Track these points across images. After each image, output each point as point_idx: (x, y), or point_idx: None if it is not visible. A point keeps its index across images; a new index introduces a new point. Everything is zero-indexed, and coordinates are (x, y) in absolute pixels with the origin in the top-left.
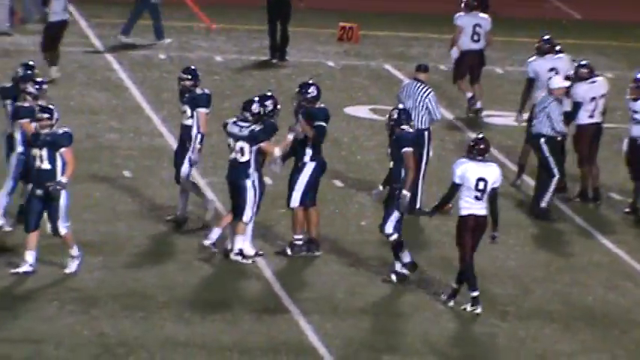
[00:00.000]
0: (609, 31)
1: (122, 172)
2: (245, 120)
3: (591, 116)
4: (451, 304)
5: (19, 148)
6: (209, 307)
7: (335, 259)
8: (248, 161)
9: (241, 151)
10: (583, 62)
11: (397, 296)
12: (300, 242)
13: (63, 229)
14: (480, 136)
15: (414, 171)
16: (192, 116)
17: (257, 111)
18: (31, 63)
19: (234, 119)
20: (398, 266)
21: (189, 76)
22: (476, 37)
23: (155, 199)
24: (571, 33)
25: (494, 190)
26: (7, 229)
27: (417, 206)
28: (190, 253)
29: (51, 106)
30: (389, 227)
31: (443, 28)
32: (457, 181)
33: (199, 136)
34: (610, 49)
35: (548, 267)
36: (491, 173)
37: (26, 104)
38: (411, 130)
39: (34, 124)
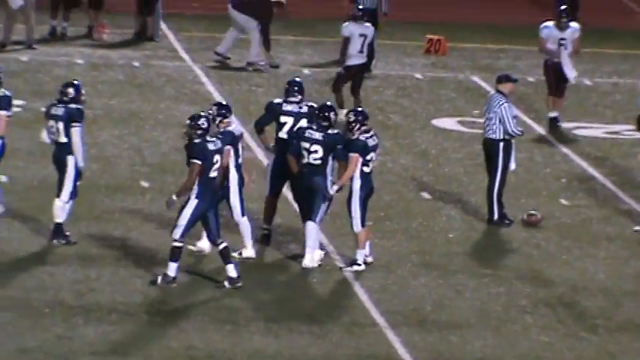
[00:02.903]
0: None
1: None
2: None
3: None
4: None
5: None
6: (297, 319)
7: (423, 272)
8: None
9: (316, 153)
10: None
11: (485, 309)
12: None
13: None
14: None
15: (190, 181)
16: None
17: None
18: None
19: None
20: (171, 270)
21: None
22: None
23: None
24: None
25: None
26: None
27: (495, 217)
28: (278, 266)
29: None
30: (177, 233)
31: (531, 39)
32: None
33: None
34: None
35: (638, 280)
36: None
37: None
38: (198, 141)
39: None
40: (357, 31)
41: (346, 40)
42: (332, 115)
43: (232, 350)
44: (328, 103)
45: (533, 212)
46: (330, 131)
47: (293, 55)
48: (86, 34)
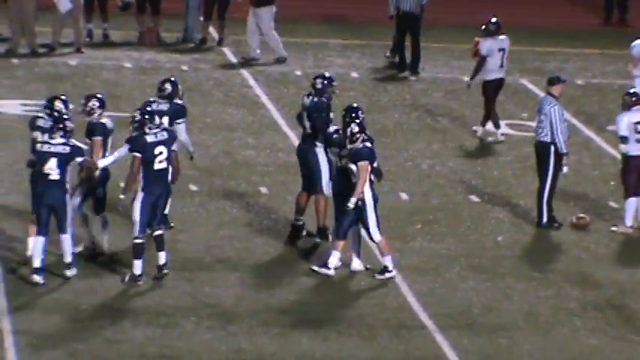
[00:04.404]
0: None
1: (258, 189)
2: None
3: None
4: None
5: None
6: (345, 322)
7: (471, 275)
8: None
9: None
10: (632, 91)
11: (534, 312)
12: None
13: None
14: None
15: (132, 176)
16: None
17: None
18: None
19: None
20: (136, 268)
21: None
22: None
23: (291, 215)
24: None
25: None
26: None
27: (544, 220)
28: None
29: None
30: (135, 231)
31: (578, 42)
32: None
33: None
34: None
35: None
36: None
37: None
38: (136, 134)
39: None
40: (495, 47)
41: (483, 59)
42: (359, 114)
43: (280, 353)
44: (354, 105)
45: (582, 215)
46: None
47: (341, 58)
48: (137, 40)
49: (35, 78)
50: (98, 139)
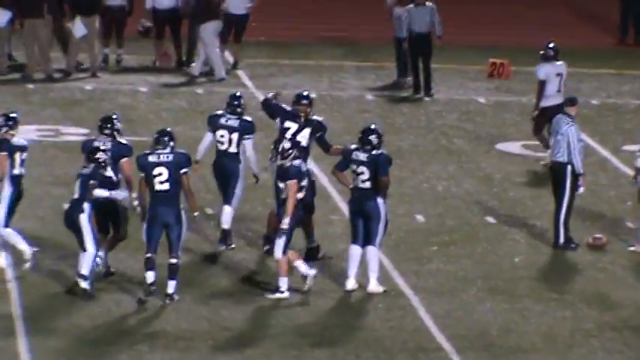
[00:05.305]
0: None
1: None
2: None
3: None
4: None
5: None
6: (363, 345)
7: (488, 297)
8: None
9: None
10: None
11: (551, 333)
12: None
13: None
14: None
15: (140, 195)
16: None
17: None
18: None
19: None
20: (149, 278)
21: None
22: None
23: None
24: None
25: None
26: None
27: (561, 241)
28: (342, 291)
29: None
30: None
31: (594, 62)
32: None
33: None
34: None
35: None
36: None
37: None
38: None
39: None
40: (552, 72)
41: (542, 83)
42: (373, 137)
43: None
44: (372, 127)
45: (598, 236)
46: (374, 152)
47: (356, 80)
48: (153, 64)
49: (50, 103)
50: (1, 154)
